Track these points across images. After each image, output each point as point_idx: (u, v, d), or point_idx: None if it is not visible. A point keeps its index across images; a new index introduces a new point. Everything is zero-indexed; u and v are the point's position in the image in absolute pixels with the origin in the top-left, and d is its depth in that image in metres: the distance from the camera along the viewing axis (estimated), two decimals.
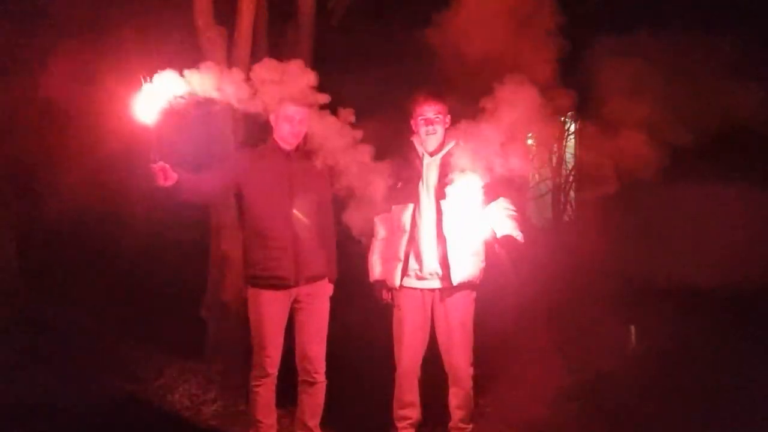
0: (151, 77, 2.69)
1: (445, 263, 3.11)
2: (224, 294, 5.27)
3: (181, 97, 2.75)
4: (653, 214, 5.80)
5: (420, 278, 3.18)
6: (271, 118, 3.13)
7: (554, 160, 11.14)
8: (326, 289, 3.27)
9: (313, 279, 3.17)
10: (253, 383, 3.18)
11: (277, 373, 3.20)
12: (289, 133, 3.09)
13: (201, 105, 2.90)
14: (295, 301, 3.17)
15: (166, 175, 2.76)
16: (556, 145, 11.26)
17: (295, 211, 3.09)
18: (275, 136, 3.14)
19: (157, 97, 2.68)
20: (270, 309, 3.11)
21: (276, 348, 3.15)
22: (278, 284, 3.08)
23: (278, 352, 3.17)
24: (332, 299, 3.31)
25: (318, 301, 3.21)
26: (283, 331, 3.18)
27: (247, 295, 3.17)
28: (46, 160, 5.38)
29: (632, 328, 5.20)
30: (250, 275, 3.13)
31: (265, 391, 3.18)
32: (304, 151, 3.19)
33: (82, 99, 4.69)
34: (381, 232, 3.32)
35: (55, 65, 4.65)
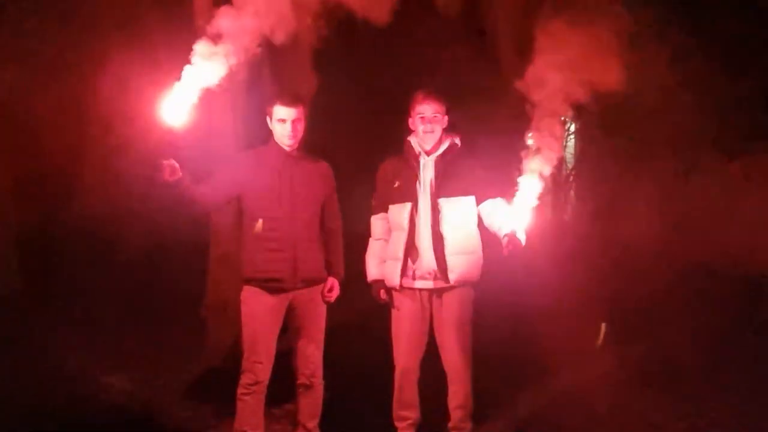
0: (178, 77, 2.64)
1: (442, 262, 3.11)
2: (224, 294, 5.27)
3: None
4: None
5: (418, 278, 3.17)
6: (268, 120, 3.11)
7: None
8: (324, 292, 3.19)
9: (311, 282, 3.13)
10: (241, 391, 3.05)
11: (267, 382, 3.09)
12: (282, 135, 3.06)
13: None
14: (292, 304, 3.12)
15: (173, 171, 2.74)
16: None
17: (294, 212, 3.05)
18: (274, 137, 3.12)
19: (184, 95, 2.65)
20: (265, 311, 3.06)
21: (268, 353, 3.06)
22: (274, 287, 3.05)
23: (270, 358, 3.08)
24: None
25: (315, 304, 3.17)
26: (276, 337, 3.11)
27: (242, 295, 3.12)
28: (52, 162, 5.40)
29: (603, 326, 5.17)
30: (246, 276, 3.10)
31: (254, 400, 3.06)
32: (306, 151, 3.17)
33: (95, 101, 4.70)
34: (378, 231, 3.32)
35: (78, 66, 4.65)
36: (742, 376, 4.38)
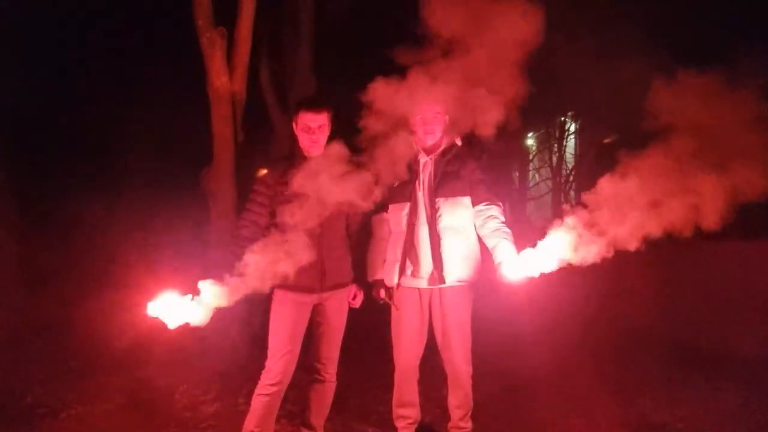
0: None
1: (439, 262, 3.12)
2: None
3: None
4: None
5: (416, 277, 3.18)
6: (294, 127, 3.11)
7: (554, 160, 11.15)
8: (349, 294, 3.24)
9: (338, 286, 3.16)
10: (260, 390, 3.06)
11: (286, 385, 3.09)
12: (308, 142, 3.06)
13: None
14: (317, 304, 3.16)
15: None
16: (556, 145, 11.27)
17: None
18: (299, 144, 3.12)
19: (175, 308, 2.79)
20: (292, 312, 3.08)
21: (291, 354, 3.07)
22: (303, 291, 3.07)
23: (293, 359, 3.08)
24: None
25: (339, 304, 3.20)
26: (301, 340, 3.12)
27: (273, 299, 3.13)
28: None
29: None
30: (277, 283, 3.03)
31: (270, 401, 3.05)
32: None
33: None
34: (379, 232, 3.33)
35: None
36: None
